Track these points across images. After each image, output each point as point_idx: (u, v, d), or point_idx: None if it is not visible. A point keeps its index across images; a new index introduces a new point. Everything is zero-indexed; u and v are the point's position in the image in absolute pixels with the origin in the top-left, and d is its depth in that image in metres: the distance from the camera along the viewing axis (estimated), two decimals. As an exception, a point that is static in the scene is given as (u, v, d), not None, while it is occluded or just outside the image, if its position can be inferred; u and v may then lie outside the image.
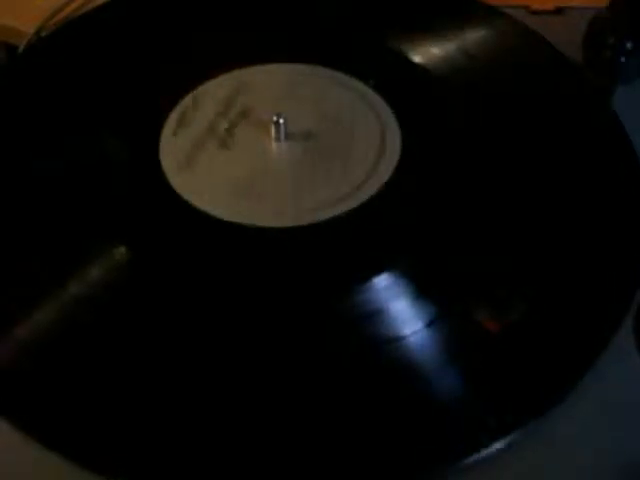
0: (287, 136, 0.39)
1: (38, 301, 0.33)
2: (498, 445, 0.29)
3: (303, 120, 0.40)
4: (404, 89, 0.41)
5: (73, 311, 0.33)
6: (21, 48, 0.45)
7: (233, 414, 0.30)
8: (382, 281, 0.33)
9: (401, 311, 0.32)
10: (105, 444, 0.30)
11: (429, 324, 0.32)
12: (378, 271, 0.33)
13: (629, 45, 0.42)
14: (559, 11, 0.47)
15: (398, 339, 0.32)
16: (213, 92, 0.41)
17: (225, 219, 0.36)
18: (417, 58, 0.42)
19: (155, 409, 0.30)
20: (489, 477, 0.30)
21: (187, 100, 0.41)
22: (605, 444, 0.31)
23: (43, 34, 0.46)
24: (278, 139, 0.39)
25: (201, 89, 0.42)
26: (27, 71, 0.43)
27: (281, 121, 0.38)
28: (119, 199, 0.37)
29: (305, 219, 0.36)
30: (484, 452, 0.29)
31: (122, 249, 0.34)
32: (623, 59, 0.42)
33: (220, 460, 0.29)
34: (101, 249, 0.34)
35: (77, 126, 0.40)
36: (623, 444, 0.30)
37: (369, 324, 0.32)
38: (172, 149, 0.39)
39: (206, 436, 0.30)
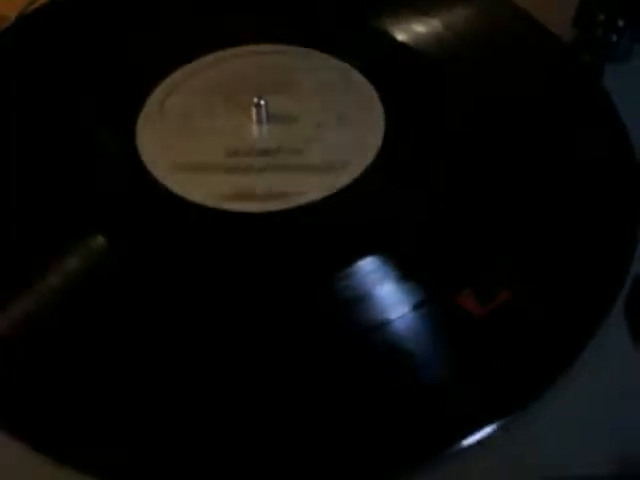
0: (269, 118, 0.38)
1: (14, 295, 0.33)
2: (485, 431, 0.29)
3: (285, 102, 0.39)
4: (388, 69, 0.41)
5: (52, 304, 0.33)
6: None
7: (216, 401, 0.30)
8: (367, 265, 0.33)
9: (386, 295, 0.32)
10: (88, 442, 0.29)
11: (415, 308, 0.32)
12: (362, 255, 0.33)
13: (620, 23, 0.41)
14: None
15: (385, 323, 0.31)
16: (192, 75, 0.41)
17: (206, 205, 0.35)
18: (401, 37, 0.42)
19: (139, 401, 0.30)
20: (476, 463, 0.29)
21: (165, 84, 0.41)
22: (593, 433, 0.30)
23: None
24: (260, 122, 0.38)
25: (179, 72, 0.41)
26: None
27: (262, 103, 0.38)
28: (97, 188, 0.36)
29: (288, 203, 0.35)
30: (471, 438, 0.29)
31: (101, 239, 0.34)
32: (615, 37, 0.41)
33: (200, 447, 0.29)
34: (83, 240, 0.34)
35: (51, 114, 0.39)
36: (611, 432, 0.30)
37: (355, 309, 0.32)
38: (151, 134, 0.38)
39: (188, 423, 0.30)
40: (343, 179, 0.36)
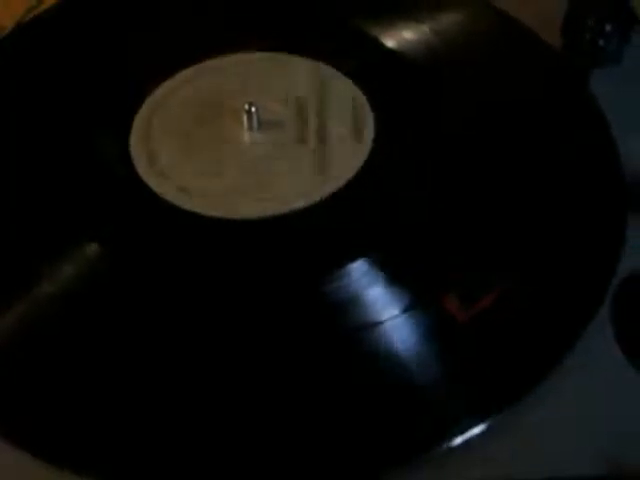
0: (260, 125, 0.39)
1: (9, 303, 0.33)
2: (474, 431, 0.30)
3: (275, 109, 0.39)
4: (377, 74, 0.41)
5: (48, 311, 0.33)
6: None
7: (211, 404, 0.30)
8: (357, 268, 0.33)
9: (377, 297, 0.33)
10: (87, 445, 0.30)
11: (405, 310, 0.32)
12: (353, 258, 0.33)
13: (608, 28, 0.41)
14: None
15: (375, 324, 0.32)
16: (186, 82, 0.41)
17: (199, 212, 0.36)
18: (390, 43, 0.42)
19: (137, 405, 0.31)
20: (464, 463, 0.30)
21: (158, 91, 0.41)
22: (580, 432, 0.31)
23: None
24: (251, 128, 0.39)
25: (167, 83, 0.41)
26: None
27: (253, 110, 0.38)
28: (92, 195, 0.37)
29: (279, 209, 0.36)
30: (459, 438, 0.29)
31: (95, 246, 0.34)
32: (602, 42, 0.41)
33: (197, 447, 0.29)
34: (78, 247, 0.34)
35: (47, 122, 0.39)
36: (598, 432, 0.30)
37: (345, 310, 0.32)
38: (143, 142, 0.39)
39: (184, 425, 0.30)
40: (333, 184, 0.36)
